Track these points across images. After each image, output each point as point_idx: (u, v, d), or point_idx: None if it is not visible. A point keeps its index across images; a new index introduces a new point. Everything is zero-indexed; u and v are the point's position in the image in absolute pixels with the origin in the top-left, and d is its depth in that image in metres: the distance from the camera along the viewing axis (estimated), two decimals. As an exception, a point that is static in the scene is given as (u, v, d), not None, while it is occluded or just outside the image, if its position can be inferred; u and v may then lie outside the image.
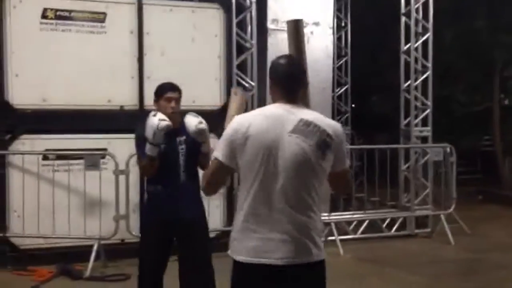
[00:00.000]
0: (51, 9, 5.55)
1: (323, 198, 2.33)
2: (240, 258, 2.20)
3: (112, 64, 5.74)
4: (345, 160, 2.30)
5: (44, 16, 5.52)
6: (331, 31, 7.29)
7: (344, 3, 9.81)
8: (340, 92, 9.85)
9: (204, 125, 3.31)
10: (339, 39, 9.75)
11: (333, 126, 2.28)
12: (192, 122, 3.31)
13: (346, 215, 6.99)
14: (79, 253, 5.31)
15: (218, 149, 2.28)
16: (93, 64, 5.65)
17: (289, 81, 2.31)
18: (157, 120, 3.19)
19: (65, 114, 5.57)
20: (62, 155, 5.50)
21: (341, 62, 9.86)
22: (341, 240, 6.32)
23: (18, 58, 5.42)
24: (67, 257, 5.27)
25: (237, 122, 2.26)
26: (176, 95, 3.44)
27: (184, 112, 3.44)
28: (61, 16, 5.58)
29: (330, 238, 6.35)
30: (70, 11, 5.60)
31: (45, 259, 5.29)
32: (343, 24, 9.90)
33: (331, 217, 6.55)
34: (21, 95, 5.45)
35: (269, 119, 2.21)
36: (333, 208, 6.98)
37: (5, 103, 5.41)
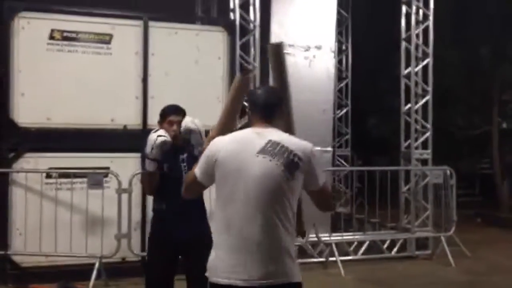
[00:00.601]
0: (58, 30, 5.66)
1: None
2: (213, 279, 2.25)
3: (117, 84, 5.83)
4: (318, 178, 2.32)
5: (51, 37, 5.63)
6: (332, 54, 7.42)
7: (345, 27, 9.98)
8: (340, 114, 9.95)
9: (194, 125, 3.32)
10: (340, 62, 9.88)
11: (302, 146, 2.30)
12: (185, 121, 3.35)
13: (346, 236, 7.00)
14: (81, 272, 5.31)
15: (198, 164, 2.41)
16: (98, 84, 5.73)
17: (264, 109, 2.40)
18: (156, 136, 3.27)
19: (69, 132, 5.63)
20: (65, 174, 5.55)
21: (342, 84, 9.98)
22: (342, 261, 6.32)
23: (24, 78, 5.50)
24: (68, 275, 5.27)
25: (211, 145, 2.38)
26: (180, 118, 3.46)
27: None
28: (68, 37, 5.69)
29: (331, 258, 6.36)
30: (76, 33, 5.71)
31: (46, 277, 5.30)
32: (344, 48, 10.05)
33: (332, 238, 6.57)
34: (26, 114, 5.52)
35: (238, 143, 2.30)
36: (334, 229, 7.00)
37: (10, 121, 5.47)
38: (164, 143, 3.26)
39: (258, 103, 2.43)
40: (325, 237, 6.50)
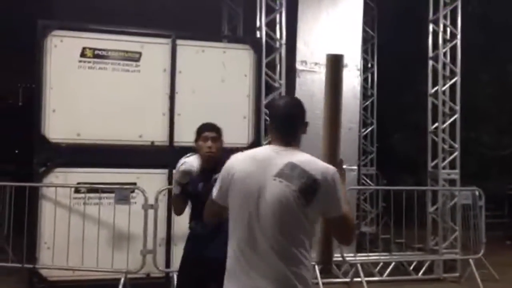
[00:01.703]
0: (90, 48, 5.80)
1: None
2: None
3: (145, 101, 5.93)
4: (339, 206, 2.12)
5: (82, 54, 5.77)
6: (358, 72, 7.41)
7: (371, 44, 9.96)
8: (365, 132, 9.88)
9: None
10: (365, 80, 9.85)
11: (323, 170, 2.12)
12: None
13: (372, 257, 6.89)
14: (106, 286, 5.34)
15: (215, 185, 2.32)
16: (127, 100, 5.84)
17: (284, 122, 2.23)
18: (182, 161, 3.35)
19: (98, 148, 5.72)
20: (93, 189, 5.63)
21: (367, 102, 9.93)
22: (367, 282, 6.22)
23: (56, 94, 5.64)
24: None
25: (227, 164, 2.26)
26: (213, 134, 3.44)
27: (227, 151, 3.45)
28: (99, 55, 5.82)
29: (356, 279, 6.26)
30: (107, 50, 5.84)
31: (72, 291, 5.35)
32: (369, 66, 10.03)
33: (356, 258, 6.48)
34: (57, 130, 5.64)
35: (255, 162, 2.15)
36: (359, 249, 6.91)
37: (42, 137, 5.60)
38: (185, 172, 3.31)
39: (278, 115, 2.25)
40: (350, 257, 6.41)
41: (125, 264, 5.47)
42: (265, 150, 2.22)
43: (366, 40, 9.54)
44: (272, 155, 2.15)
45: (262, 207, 2.09)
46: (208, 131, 3.47)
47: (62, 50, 5.71)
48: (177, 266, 5.55)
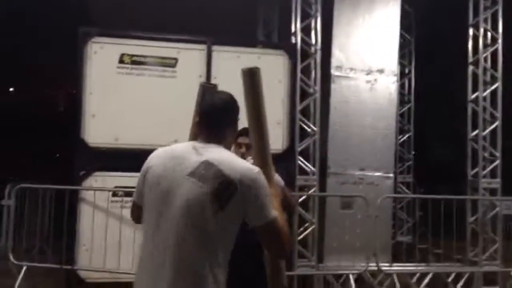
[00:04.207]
0: (128, 55, 5.91)
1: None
2: None
3: (181, 106, 5.94)
4: (262, 213, 1.87)
5: (121, 61, 5.89)
6: (395, 78, 7.29)
7: (408, 50, 9.79)
8: (402, 139, 9.70)
9: None
10: (402, 85, 9.69)
11: (242, 172, 1.88)
12: None
13: (408, 267, 6.74)
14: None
15: None
16: (163, 106, 5.92)
17: (208, 118, 2.07)
18: None
19: (135, 153, 5.79)
20: (130, 192, 5.69)
21: (404, 109, 9.76)
22: (403, 293, 6.09)
23: (95, 100, 5.77)
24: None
25: (146, 160, 2.10)
26: (248, 141, 3.31)
27: None
28: (136, 61, 5.93)
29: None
30: (144, 57, 5.95)
31: (109, 293, 5.44)
32: (406, 71, 9.85)
33: (392, 268, 6.35)
34: (96, 134, 5.77)
35: (171, 158, 1.98)
36: (395, 259, 6.77)
37: (82, 141, 5.73)
38: None
39: (203, 110, 2.09)
40: (385, 266, 6.29)
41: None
42: (185, 146, 2.04)
43: (403, 45, 9.38)
44: (190, 152, 1.97)
45: (170, 209, 1.89)
46: (243, 136, 3.35)
47: (102, 56, 5.84)
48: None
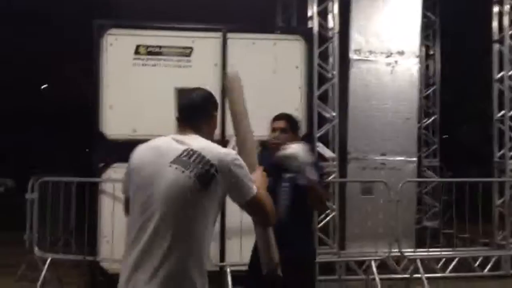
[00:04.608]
0: (143, 46, 5.91)
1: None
2: None
3: (197, 96, 5.97)
4: (244, 191, 2.05)
5: (136, 52, 5.89)
6: (417, 60, 7.08)
7: (433, 30, 9.51)
8: (428, 122, 9.47)
9: (288, 152, 3.04)
10: (427, 67, 9.43)
11: (221, 155, 2.03)
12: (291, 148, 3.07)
13: (433, 252, 6.60)
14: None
15: None
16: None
17: (185, 113, 2.21)
18: None
19: (153, 143, 5.82)
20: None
21: (430, 91, 9.51)
22: (428, 278, 5.96)
23: (112, 91, 5.80)
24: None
25: (131, 155, 2.21)
26: (281, 124, 3.25)
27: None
28: (152, 52, 5.92)
29: (416, 275, 6.02)
30: (160, 47, 5.94)
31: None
32: (431, 52, 9.58)
33: (416, 253, 6.23)
34: (114, 126, 5.80)
35: (152, 151, 2.10)
36: (420, 244, 6.65)
37: (100, 133, 5.78)
38: None
39: (180, 105, 2.25)
40: (409, 252, 6.18)
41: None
42: (165, 139, 2.16)
43: (428, 25, 9.12)
44: (171, 143, 2.10)
45: (154, 196, 2.00)
46: (276, 120, 3.28)
47: (117, 48, 5.86)
48: (230, 260, 5.67)
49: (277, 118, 3.29)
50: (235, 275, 5.51)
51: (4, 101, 14.83)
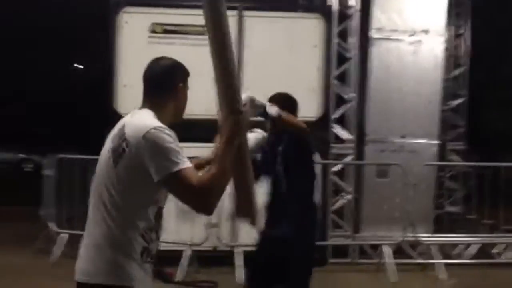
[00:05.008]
0: (159, 24, 5.88)
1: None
2: None
3: (213, 75, 5.90)
4: (161, 166, 1.80)
5: (152, 30, 5.87)
6: (442, 39, 6.81)
7: (463, 8, 9.11)
8: (455, 104, 9.13)
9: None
10: (456, 47, 9.07)
11: (135, 129, 1.87)
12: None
13: (451, 238, 6.44)
14: (172, 258, 5.50)
15: None
16: (196, 75, 5.82)
17: (145, 84, 2.10)
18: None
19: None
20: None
21: (458, 72, 9.15)
22: (446, 265, 5.82)
23: (126, 70, 5.81)
24: (160, 261, 5.48)
25: None
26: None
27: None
28: (168, 30, 5.89)
29: (433, 261, 5.88)
30: (175, 25, 5.89)
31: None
32: (461, 31, 9.20)
33: (433, 239, 6.08)
34: (128, 105, 5.80)
35: (115, 128, 2.02)
36: (442, 229, 6.50)
37: (114, 111, 5.81)
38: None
39: (143, 77, 2.11)
40: (424, 237, 6.04)
41: (190, 237, 5.57)
42: (129, 114, 2.07)
43: (457, 3, 8.75)
44: (126, 118, 2.02)
45: (96, 174, 1.98)
46: (272, 102, 3.12)
47: (133, 26, 5.85)
48: (242, 240, 5.66)
49: (271, 100, 3.18)
50: (247, 255, 5.51)
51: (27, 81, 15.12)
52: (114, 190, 1.87)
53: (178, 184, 1.82)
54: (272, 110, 2.92)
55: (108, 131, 2.22)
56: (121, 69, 5.81)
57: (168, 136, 1.87)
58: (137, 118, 1.96)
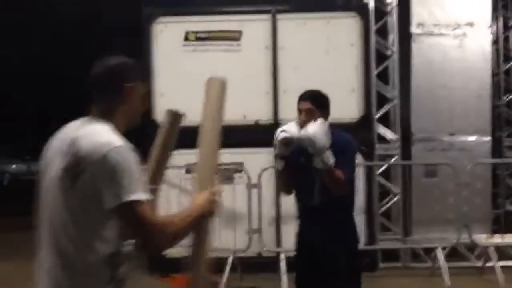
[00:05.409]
0: (192, 32, 5.89)
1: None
2: None
3: (248, 80, 5.85)
4: (116, 191, 1.57)
5: (186, 38, 5.89)
6: (489, 31, 6.46)
7: (512, 0, 8.67)
8: (509, 99, 8.65)
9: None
10: (506, 39, 8.61)
11: (96, 146, 1.61)
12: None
13: (509, 239, 6.02)
14: (216, 264, 5.41)
15: None
16: (230, 81, 5.78)
17: (90, 89, 1.77)
18: (279, 131, 2.92)
19: (206, 130, 5.79)
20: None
21: (510, 65, 8.68)
22: (503, 267, 5.43)
23: (163, 79, 5.83)
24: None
25: None
26: (306, 105, 2.97)
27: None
28: (201, 37, 5.89)
29: (490, 264, 5.51)
30: (208, 32, 5.88)
31: (184, 267, 5.52)
32: (511, 23, 8.74)
33: (489, 240, 5.70)
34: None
35: (55, 141, 1.75)
36: (501, 231, 6.11)
37: (153, 121, 5.83)
38: (285, 140, 2.88)
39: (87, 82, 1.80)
40: (481, 239, 5.67)
41: (233, 243, 5.49)
42: (73, 124, 1.77)
43: (507, -7, 8.32)
44: (71, 128, 1.73)
45: (42, 193, 1.72)
46: (301, 101, 3.01)
47: (167, 35, 5.89)
48: (286, 246, 5.51)
49: (301, 98, 3.02)
50: (291, 261, 5.35)
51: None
52: (70, 211, 1.63)
53: (129, 216, 1.61)
54: (326, 159, 2.81)
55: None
56: (157, 79, 5.84)
57: (130, 159, 1.64)
58: (92, 132, 1.67)
